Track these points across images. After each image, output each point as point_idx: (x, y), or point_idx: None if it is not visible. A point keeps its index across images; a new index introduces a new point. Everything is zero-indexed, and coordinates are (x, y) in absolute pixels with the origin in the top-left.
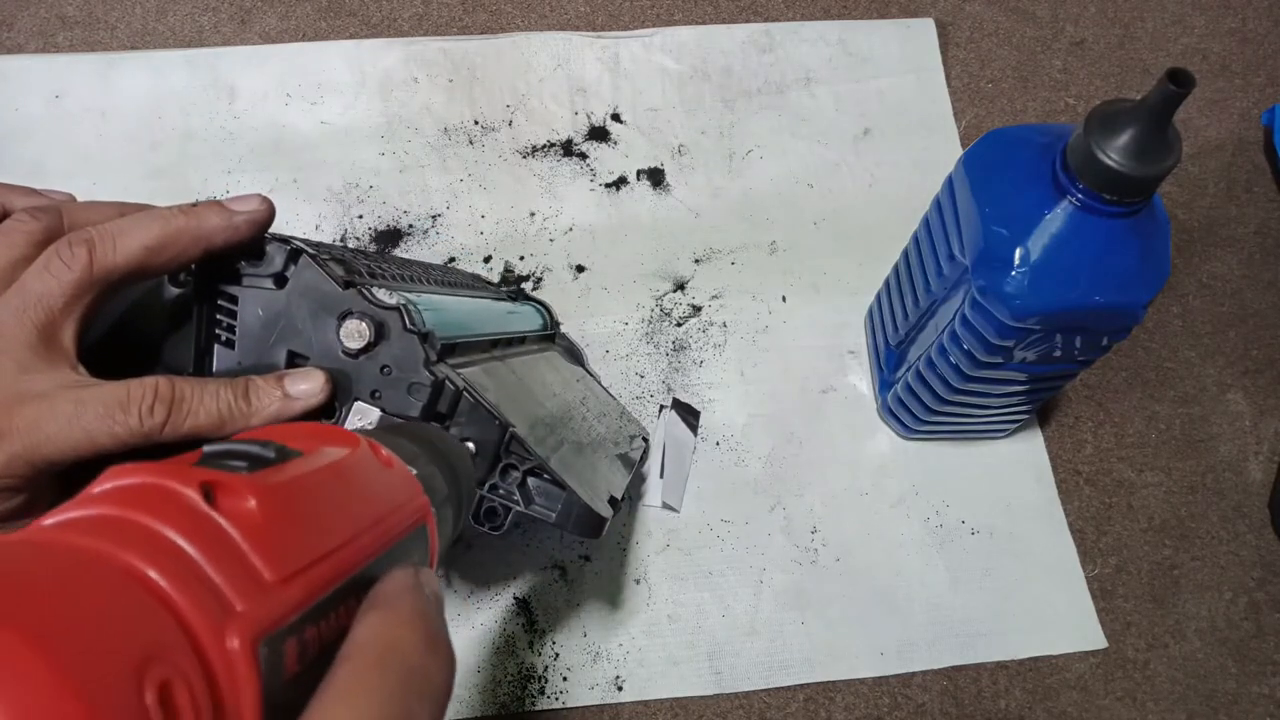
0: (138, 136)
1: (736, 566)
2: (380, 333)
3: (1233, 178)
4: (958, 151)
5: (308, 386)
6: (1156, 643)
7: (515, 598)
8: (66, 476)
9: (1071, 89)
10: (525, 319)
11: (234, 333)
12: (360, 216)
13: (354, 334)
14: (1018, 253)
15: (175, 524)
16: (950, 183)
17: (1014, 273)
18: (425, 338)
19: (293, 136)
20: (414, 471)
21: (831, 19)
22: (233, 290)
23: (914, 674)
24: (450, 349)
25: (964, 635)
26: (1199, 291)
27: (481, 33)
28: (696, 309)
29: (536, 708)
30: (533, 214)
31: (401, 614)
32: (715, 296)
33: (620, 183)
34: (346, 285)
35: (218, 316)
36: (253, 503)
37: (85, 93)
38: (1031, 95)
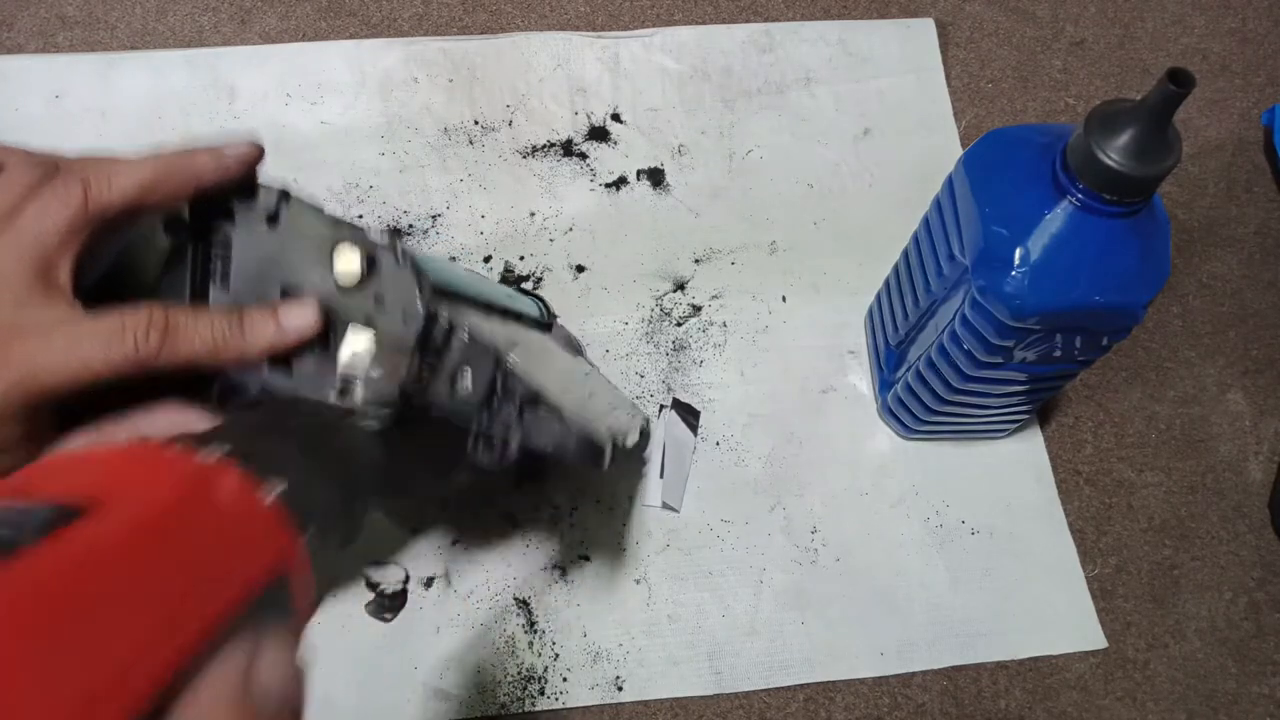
0: (138, 137)
1: (736, 566)
2: (373, 266)
3: (1233, 178)
4: (958, 151)
5: (301, 320)
6: (1156, 643)
7: (515, 598)
8: (65, 410)
9: (1071, 89)
10: (522, 304)
11: (228, 272)
12: (360, 216)
13: (347, 264)
14: (1018, 253)
15: None
16: (950, 183)
17: (1014, 273)
18: (417, 271)
19: (293, 136)
20: (275, 493)
21: (831, 19)
22: (227, 230)
23: (914, 674)
24: (443, 294)
25: (964, 635)
26: (1199, 291)
27: (481, 33)
28: (696, 309)
29: (536, 708)
30: (533, 214)
31: None
32: (715, 296)
33: (620, 183)
34: (337, 223)
35: (211, 256)
36: None
37: (85, 93)
38: (1031, 95)
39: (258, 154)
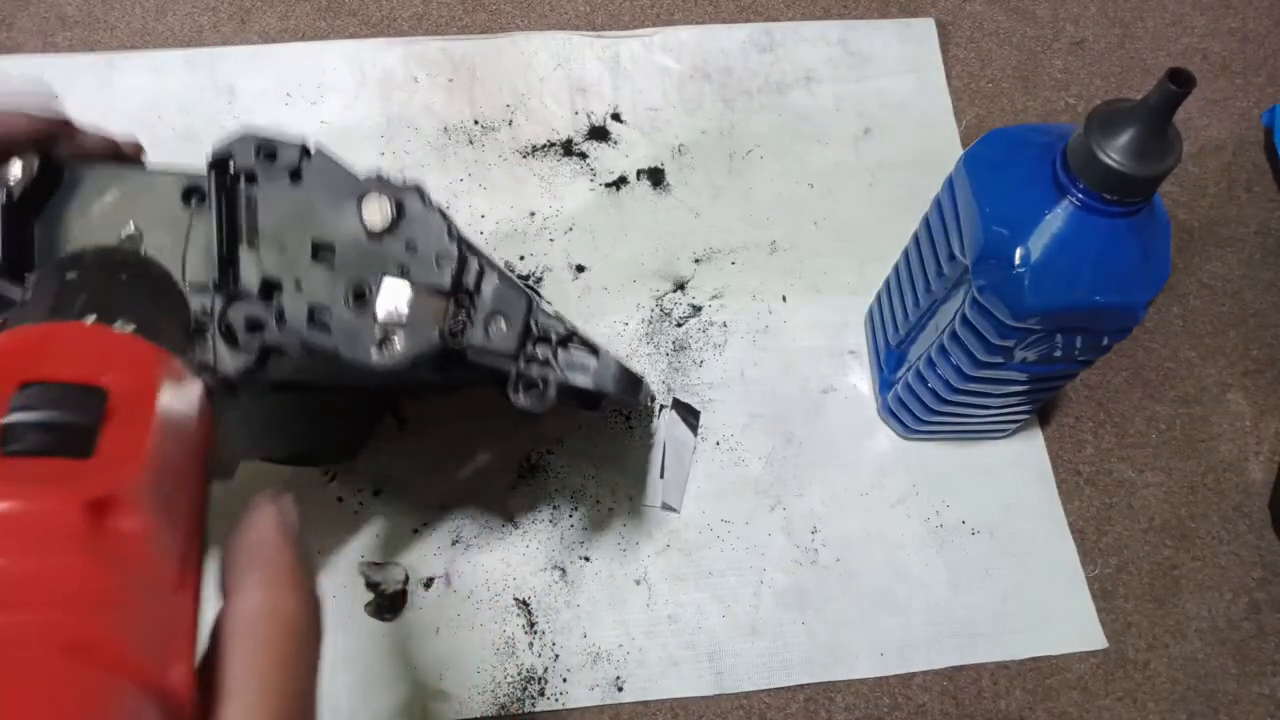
0: (137, 136)
1: (736, 566)
2: (401, 211)
3: (1233, 178)
4: (958, 151)
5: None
6: (1157, 643)
7: (515, 598)
8: None
9: (1072, 89)
10: None
11: (255, 230)
12: None
13: (376, 213)
14: (1018, 252)
15: None
16: (950, 182)
17: (1014, 272)
18: (444, 213)
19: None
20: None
21: (832, 18)
22: (250, 191)
23: (914, 674)
24: (466, 243)
25: (964, 635)
26: (1199, 291)
27: (481, 32)
28: (696, 309)
29: (536, 709)
30: (533, 214)
31: (280, 574)
32: (715, 296)
33: (620, 182)
34: (361, 175)
35: (238, 220)
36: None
37: (85, 92)
38: (1032, 95)
39: (112, 147)
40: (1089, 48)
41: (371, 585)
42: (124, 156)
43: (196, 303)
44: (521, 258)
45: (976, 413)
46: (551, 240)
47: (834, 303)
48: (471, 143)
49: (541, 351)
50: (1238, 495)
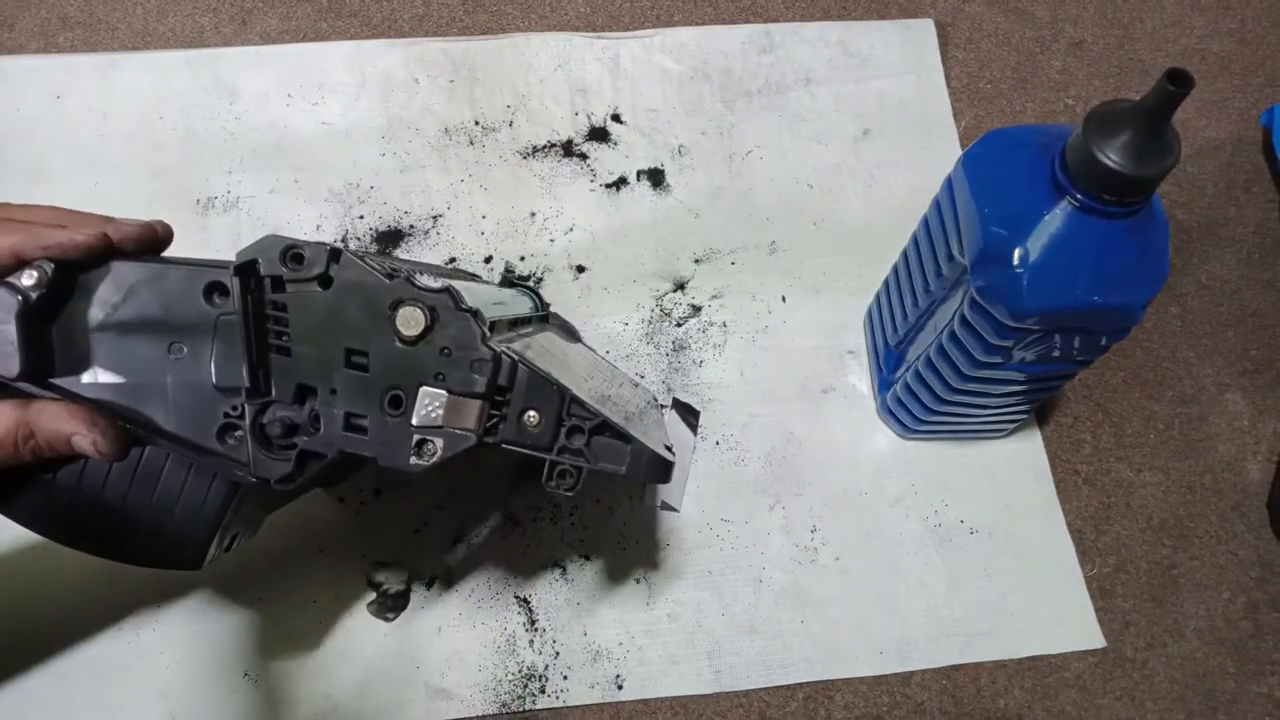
0: (139, 137)
1: (736, 566)
2: (433, 317)
3: (1231, 178)
4: (957, 152)
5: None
6: (1155, 642)
7: (516, 597)
8: None
9: (1071, 89)
10: (520, 303)
11: (285, 339)
12: (361, 217)
13: (409, 321)
14: (1017, 253)
15: None
16: (949, 183)
17: (1013, 273)
18: (476, 315)
19: (294, 137)
20: None
21: (831, 19)
22: (279, 299)
23: (913, 673)
24: (490, 327)
25: (963, 634)
26: (1198, 291)
27: (482, 33)
28: (696, 309)
29: (537, 706)
30: (533, 214)
31: None
32: (715, 296)
33: (620, 183)
34: (390, 276)
35: (268, 326)
36: None
37: (86, 93)
38: (1031, 96)
39: (150, 234)
40: (1088, 48)
41: (373, 585)
42: (159, 237)
43: (226, 404)
44: (522, 258)
45: (975, 412)
46: (551, 240)
47: (833, 303)
48: (472, 143)
49: (575, 442)
50: (1236, 495)
